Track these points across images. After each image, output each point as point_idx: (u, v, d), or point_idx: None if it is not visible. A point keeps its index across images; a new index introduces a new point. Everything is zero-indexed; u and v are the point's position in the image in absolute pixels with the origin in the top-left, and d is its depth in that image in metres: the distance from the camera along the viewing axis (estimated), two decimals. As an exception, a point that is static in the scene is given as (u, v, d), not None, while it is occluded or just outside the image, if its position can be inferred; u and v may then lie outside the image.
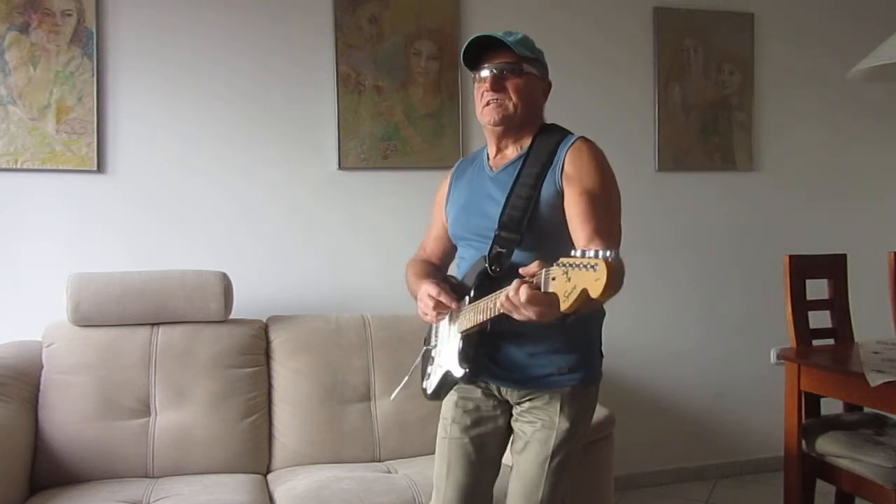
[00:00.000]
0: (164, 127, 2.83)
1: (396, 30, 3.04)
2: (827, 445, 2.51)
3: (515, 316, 1.39)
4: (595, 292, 1.17)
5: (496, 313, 1.47)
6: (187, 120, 2.85)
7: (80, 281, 2.46)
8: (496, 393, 1.75)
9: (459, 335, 1.66)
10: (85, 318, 2.45)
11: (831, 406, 2.78)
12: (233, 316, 2.61)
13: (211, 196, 2.89)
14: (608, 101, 3.33)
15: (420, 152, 3.06)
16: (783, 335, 2.89)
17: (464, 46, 1.70)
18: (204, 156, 2.88)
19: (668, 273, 3.43)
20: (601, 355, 1.77)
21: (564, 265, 1.23)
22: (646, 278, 3.37)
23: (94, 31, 2.73)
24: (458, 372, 1.66)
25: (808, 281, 2.86)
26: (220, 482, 2.30)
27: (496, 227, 1.65)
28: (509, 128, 1.72)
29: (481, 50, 1.70)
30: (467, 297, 1.65)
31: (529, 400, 1.70)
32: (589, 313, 1.54)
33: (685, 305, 3.47)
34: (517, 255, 1.62)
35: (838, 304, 2.91)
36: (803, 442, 2.60)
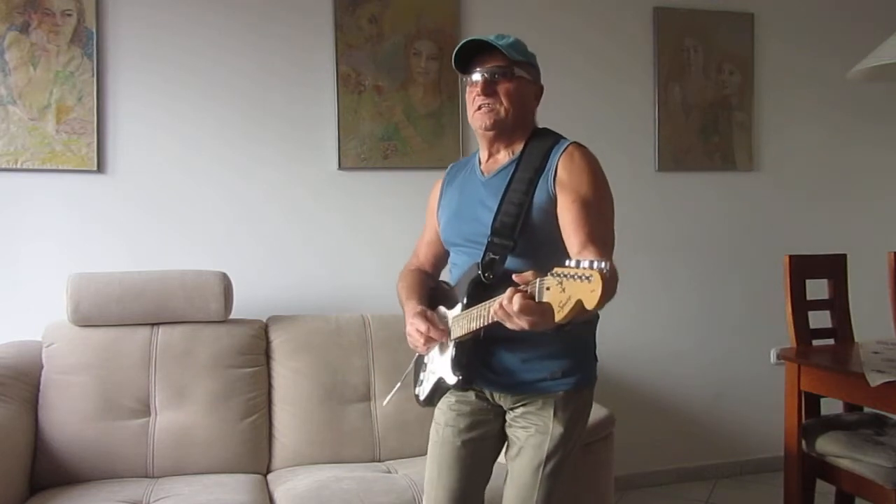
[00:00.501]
0: (164, 127, 2.83)
1: (396, 30, 3.04)
2: (827, 445, 2.51)
3: (508, 325, 1.37)
4: (590, 304, 1.17)
5: (489, 321, 1.45)
6: (187, 120, 2.85)
7: (80, 281, 2.46)
8: (490, 398, 1.75)
9: (452, 342, 1.65)
10: (85, 318, 2.45)
11: (831, 406, 2.78)
12: (233, 316, 2.61)
13: (211, 196, 2.89)
14: (608, 101, 3.33)
15: (420, 152, 3.06)
16: (783, 335, 2.88)
17: (455, 50, 1.68)
18: (204, 156, 2.88)
19: (668, 273, 3.43)
20: (595, 359, 1.76)
21: (559, 275, 1.22)
22: (646, 278, 3.37)
23: (94, 31, 2.73)
24: (452, 379, 1.65)
25: (808, 281, 2.86)
26: (220, 482, 2.30)
27: (489, 233, 1.63)
28: (501, 132, 1.70)
29: (472, 53, 1.69)
30: (460, 305, 1.64)
31: (523, 405, 1.70)
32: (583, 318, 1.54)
33: (685, 305, 3.47)
34: (510, 262, 1.61)
35: (838, 304, 2.91)
36: (803, 442, 2.60)
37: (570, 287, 1.20)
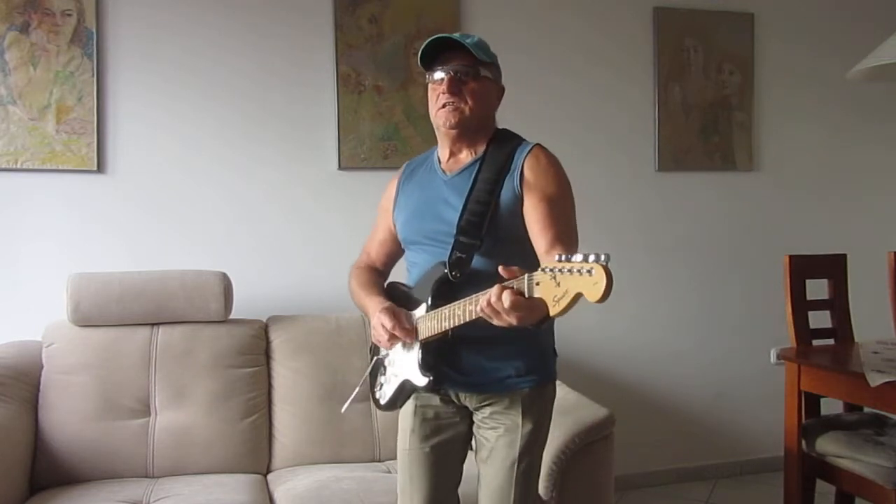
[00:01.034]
0: (164, 127, 2.83)
1: (396, 30, 3.04)
2: (827, 445, 2.51)
3: (495, 321, 1.37)
4: (594, 296, 1.17)
5: (467, 319, 1.45)
6: (187, 120, 2.86)
7: (80, 281, 2.46)
8: (455, 399, 1.73)
9: (418, 343, 1.64)
10: (85, 318, 2.45)
11: (831, 406, 2.78)
12: (233, 316, 2.62)
13: (211, 196, 2.89)
14: (608, 101, 3.33)
15: (420, 152, 3.04)
16: (783, 335, 2.88)
17: (422, 46, 1.68)
18: (204, 156, 2.88)
19: (668, 273, 3.43)
20: (555, 354, 1.77)
21: (551, 270, 1.23)
22: (646, 278, 3.37)
23: (94, 31, 2.73)
24: (422, 381, 1.62)
25: (808, 281, 2.86)
26: (220, 482, 2.30)
27: (454, 231, 1.63)
28: (464, 131, 1.70)
29: (438, 51, 1.68)
30: (424, 305, 1.63)
31: (489, 405, 1.69)
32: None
33: (685, 305, 3.47)
34: (476, 261, 1.61)
35: (838, 304, 2.91)
36: (803, 442, 2.60)
37: (566, 281, 1.20)
